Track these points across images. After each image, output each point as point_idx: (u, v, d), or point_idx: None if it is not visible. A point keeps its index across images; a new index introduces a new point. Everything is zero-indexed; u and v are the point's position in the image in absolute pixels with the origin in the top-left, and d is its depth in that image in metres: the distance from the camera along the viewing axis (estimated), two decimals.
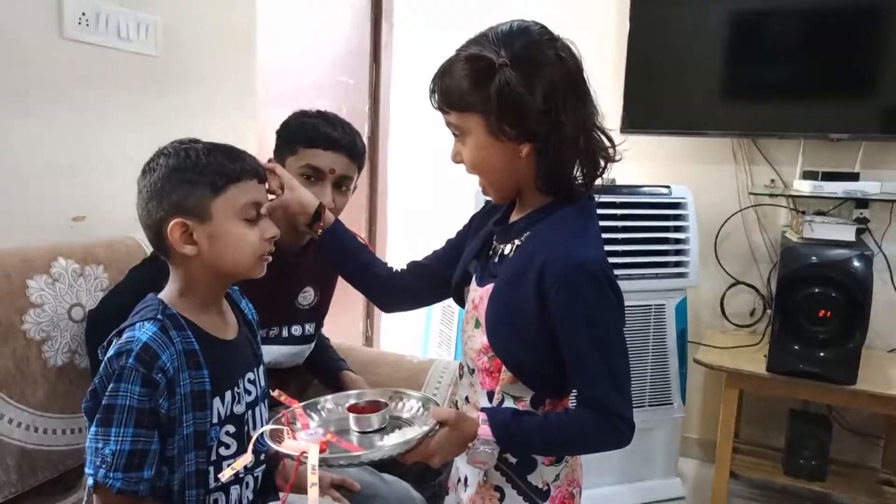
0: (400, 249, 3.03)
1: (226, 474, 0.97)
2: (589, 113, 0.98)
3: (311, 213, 1.21)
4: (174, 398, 0.98)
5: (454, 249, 1.19)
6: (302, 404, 1.06)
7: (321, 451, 0.90)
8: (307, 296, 1.53)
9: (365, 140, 2.86)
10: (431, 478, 1.42)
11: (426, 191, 2.94)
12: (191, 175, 1.00)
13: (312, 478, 0.88)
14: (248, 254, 1.04)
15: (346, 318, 2.91)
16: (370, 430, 1.01)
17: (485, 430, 0.96)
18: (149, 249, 1.49)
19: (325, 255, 1.23)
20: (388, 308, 1.30)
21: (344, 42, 2.76)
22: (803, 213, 2.31)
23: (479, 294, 1.05)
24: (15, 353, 1.25)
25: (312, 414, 1.07)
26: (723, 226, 2.49)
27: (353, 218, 2.88)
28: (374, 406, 1.04)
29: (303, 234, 1.46)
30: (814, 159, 2.35)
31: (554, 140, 0.95)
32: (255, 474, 1.13)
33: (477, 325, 1.04)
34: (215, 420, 1.03)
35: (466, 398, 1.08)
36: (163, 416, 0.97)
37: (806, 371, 2.01)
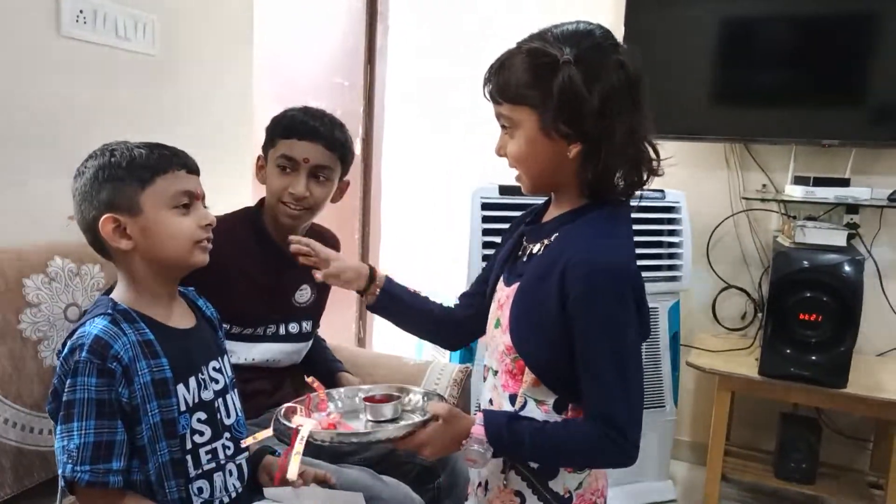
0: (393, 251, 3.03)
1: (247, 441, 1.05)
2: (641, 123, 0.97)
3: (366, 278, 1.18)
4: (133, 387, 0.99)
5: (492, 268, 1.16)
6: (326, 392, 1.12)
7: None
8: (304, 293, 1.53)
9: (359, 142, 2.90)
10: (430, 480, 1.42)
11: (420, 193, 2.94)
12: (118, 172, 1.03)
13: (298, 446, 0.95)
14: (183, 242, 1.06)
15: (339, 318, 2.90)
16: (382, 419, 1.04)
17: (478, 430, 0.96)
18: None
19: (383, 314, 1.20)
20: (454, 346, 1.30)
21: (339, 43, 2.76)
22: (794, 217, 2.33)
23: (505, 294, 1.03)
24: (11, 353, 1.24)
25: (331, 401, 1.12)
26: (715, 230, 2.51)
27: (346, 220, 2.88)
28: (389, 398, 1.08)
29: (293, 229, 1.46)
30: (805, 165, 2.38)
31: (604, 144, 0.94)
32: (238, 462, 1.13)
33: (497, 324, 1.03)
34: (183, 408, 1.04)
35: (490, 400, 1.06)
36: (125, 405, 0.98)
37: (797, 374, 2.03)
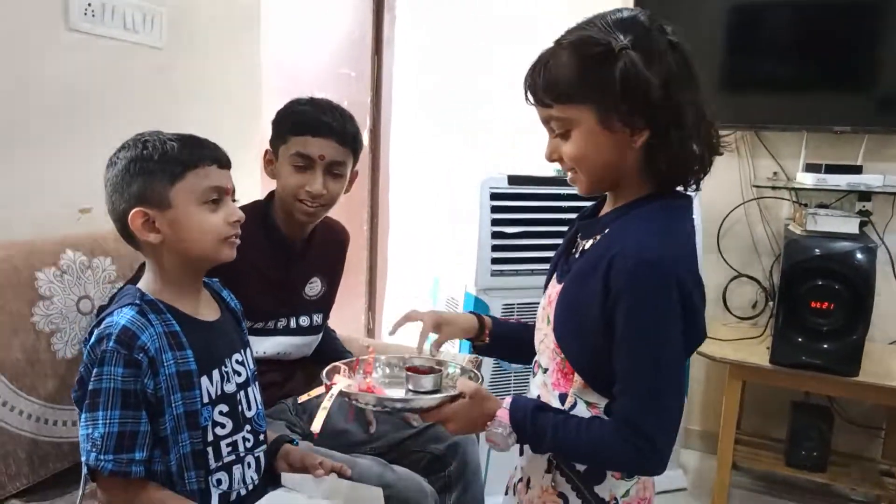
0: (402, 243, 3.03)
1: (302, 399, 1.09)
2: (703, 101, 0.92)
3: (476, 330, 1.16)
4: (158, 378, 0.99)
5: None
6: (374, 357, 1.15)
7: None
8: (314, 286, 1.54)
9: (366, 133, 2.89)
10: (441, 469, 1.42)
11: (428, 184, 2.94)
12: (149, 165, 1.03)
13: (326, 402, 0.99)
14: (211, 238, 1.06)
15: (348, 309, 2.91)
16: (422, 390, 1.05)
17: (504, 414, 0.95)
18: None
19: (497, 356, 1.21)
20: None
21: (345, 34, 2.76)
22: (806, 205, 2.31)
23: (555, 290, 0.99)
24: (24, 346, 1.25)
25: (378, 367, 1.15)
26: (725, 218, 2.50)
27: (354, 211, 2.88)
28: (431, 371, 1.08)
29: (301, 222, 1.46)
30: (816, 152, 2.36)
31: (673, 128, 0.89)
32: (256, 454, 1.14)
33: (548, 321, 1.00)
34: (206, 399, 1.05)
35: (538, 397, 1.02)
36: (150, 395, 0.98)
37: (809, 363, 2.02)
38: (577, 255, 1.00)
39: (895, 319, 2.34)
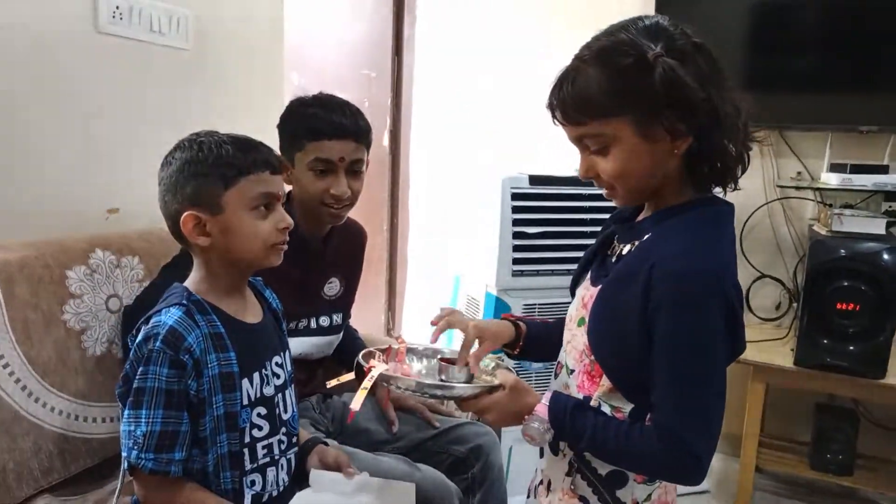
0: (422, 242, 3.04)
1: (332, 383, 1.09)
2: (736, 98, 0.90)
3: (513, 339, 1.14)
4: (202, 379, 1.00)
5: None
6: (408, 345, 1.16)
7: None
8: (333, 286, 1.54)
9: (386, 133, 2.90)
10: (464, 470, 1.42)
11: (448, 184, 2.94)
12: (203, 168, 1.03)
13: (366, 382, 1.00)
14: (259, 245, 1.06)
15: (367, 309, 2.92)
16: (454, 381, 1.05)
17: (542, 410, 0.95)
18: None
19: (531, 358, 1.22)
20: None
21: (366, 35, 2.77)
22: (830, 206, 2.28)
23: (589, 293, 0.99)
24: (56, 343, 1.27)
25: (409, 356, 1.16)
26: (749, 219, 2.48)
27: (375, 210, 2.90)
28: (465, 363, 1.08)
29: (325, 224, 1.47)
30: (841, 152, 2.33)
31: (715, 131, 0.88)
32: (288, 456, 1.15)
33: (581, 323, 0.99)
34: (245, 402, 1.05)
35: (553, 390, 1.01)
36: (192, 397, 0.99)
37: (834, 364, 2.00)
38: (613, 259, 0.99)
39: None
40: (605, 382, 0.95)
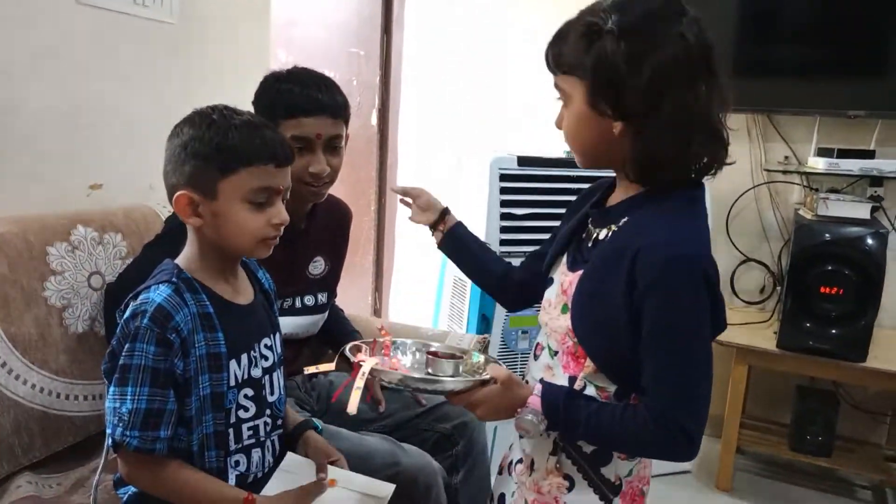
0: (410, 223, 3.03)
1: (310, 369, 1.08)
2: (699, 101, 0.88)
3: (438, 214, 1.27)
4: (189, 359, 0.99)
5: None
6: (391, 339, 1.15)
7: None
8: (318, 265, 1.53)
9: (375, 112, 2.88)
10: (448, 448, 1.43)
11: (437, 163, 2.93)
12: (204, 149, 0.99)
13: (358, 381, 0.98)
14: (248, 238, 1.03)
15: (355, 290, 2.92)
16: (442, 375, 1.04)
17: (535, 401, 0.95)
18: (165, 218, 1.49)
19: (449, 256, 1.26)
20: (511, 306, 1.28)
21: (355, 13, 2.73)
22: (816, 190, 2.30)
23: (568, 279, 1.00)
24: (37, 320, 1.26)
25: (395, 349, 1.15)
26: (735, 202, 2.49)
27: (362, 190, 2.88)
28: (452, 357, 1.09)
29: (306, 202, 1.45)
30: (829, 136, 2.34)
31: (651, 124, 0.88)
32: (273, 438, 1.14)
33: (564, 309, 0.99)
34: (232, 382, 1.04)
35: (541, 380, 1.01)
36: (178, 376, 0.98)
37: (816, 348, 2.02)
38: (590, 244, 1.00)
39: None
40: (590, 364, 0.96)
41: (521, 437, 1.03)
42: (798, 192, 2.44)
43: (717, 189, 2.36)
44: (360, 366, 1.00)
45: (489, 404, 0.97)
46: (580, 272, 0.97)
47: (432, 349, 1.13)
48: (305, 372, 1.15)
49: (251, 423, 1.08)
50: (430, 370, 1.06)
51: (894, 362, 2.02)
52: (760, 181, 2.47)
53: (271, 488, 1.06)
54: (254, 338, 1.10)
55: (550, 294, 1.05)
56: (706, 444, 2.70)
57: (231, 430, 1.05)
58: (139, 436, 0.95)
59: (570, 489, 0.99)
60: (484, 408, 0.98)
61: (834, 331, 2.00)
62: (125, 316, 0.98)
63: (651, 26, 0.87)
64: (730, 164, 0.96)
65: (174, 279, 1.01)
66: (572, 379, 0.98)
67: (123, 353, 0.96)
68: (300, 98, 1.33)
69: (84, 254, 1.35)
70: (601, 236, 0.98)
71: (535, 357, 1.06)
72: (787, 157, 2.42)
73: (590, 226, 1.02)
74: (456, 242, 1.25)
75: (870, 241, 1.95)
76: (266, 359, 1.12)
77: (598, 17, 0.88)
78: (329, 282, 1.57)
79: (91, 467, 1.27)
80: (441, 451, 1.42)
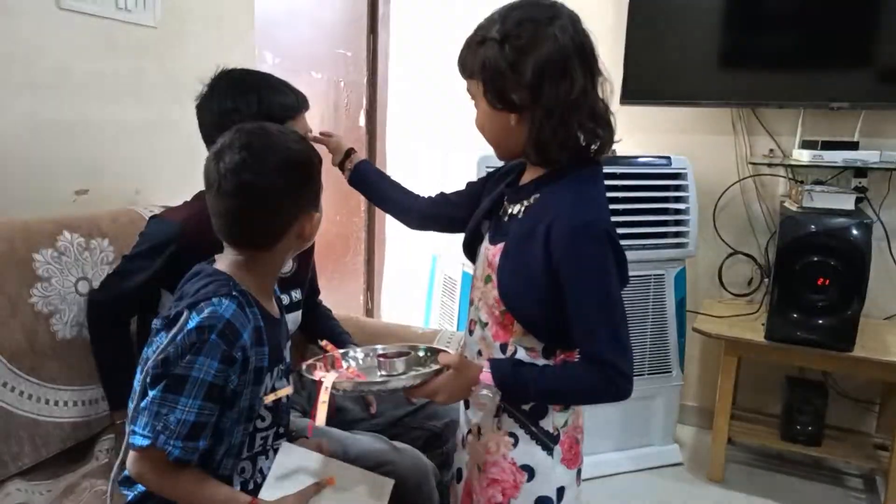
0: (400, 225, 3.03)
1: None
2: (576, 89, 1.00)
3: (342, 154, 1.39)
4: (245, 375, 1.00)
5: (470, 197, 1.26)
6: (340, 351, 1.20)
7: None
8: (286, 264, 1.52)
9: (363, 113, 2.88)
10: (439, 445, 1.44)
11: (425, 163, 2.93)
12: (312, 171, 1.08)
13: (324, 396, 1.01)
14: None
15: (347, 290, 2.92)
16: (395, 373, 1.10)
17: (486, 377, 1.03)
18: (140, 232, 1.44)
19: (359, 189, 1.39)
20: (411, 226, 1.37)
21: (340, 13, 2.73)
22: (802, 182, 2.31)
23: (491, 252, 1.10)
24: (24, 327, 1.25)
25: (345, 360, 1.19)
26: (721, 196, 2.50)
27: (352, 191, 2.86)
28: (400, 355, 1.15)
29: None
30: (813, 129, 2.36)
31: (536, 114, 1.01)
32: (275, 447, 1.14)
33: (488, 280, 1.10)
34: (261, 394, 1.05)
35: (479, 352, 1.12)
36: (229, 391, 0.98)
37: (804, 338, 2.04)
38: (507, 220, 1.11)
39: (890, 295, 2.35)
40: (517, 328, 1.07)
41: (477, 411, 1.11)
42: (784, 184, 2.46)
43: (704, 182, 2.38)
44: (322, 381, 1.03)
45: (446, 390, 1.05)
46: (501, 245, 1.08)
47: (380, 351, 1.18)
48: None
49: (265, 433, 1.10)
50: (383, 372, 1.11)
51: (881, 351, 2.04)
52: (746, 174, 2.48)
53: (271, 480, 1.06)
54: (283, 351, 1.12)
55: (477, 269, 1.16)
56: (698, 435, 2.74)
57: (247, 439, 1.06)
58: (182, 446, 0.95)
59: (514, 444, 1.09)
60: (442, 395, 1.05)
61: (821, 321, 2.01)
62: (189, 327, 0.96)
63: (526, 31, 1.00)
64: (618, 142, 1.08)
65: (234, 292, 1.00)
66: (503, 345, 1.09)
67: (182, 363, 0.95)
68: (284, 103, 1.32)
69: (70, 259, 1.35)
70: (515, 211, 1.09)
71: (470, 333, 1.16)
72: (771, 150, 2.44)
73: (505, 202, 1.13)
74: (360, 176, 1.37)
75: (854, 231, 1.97)
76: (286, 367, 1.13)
77: (486, 28, 1.03)
78: (300, 279, 1.55)
79: (81, 473, 1.27)
80: (432, 448, 1.43)
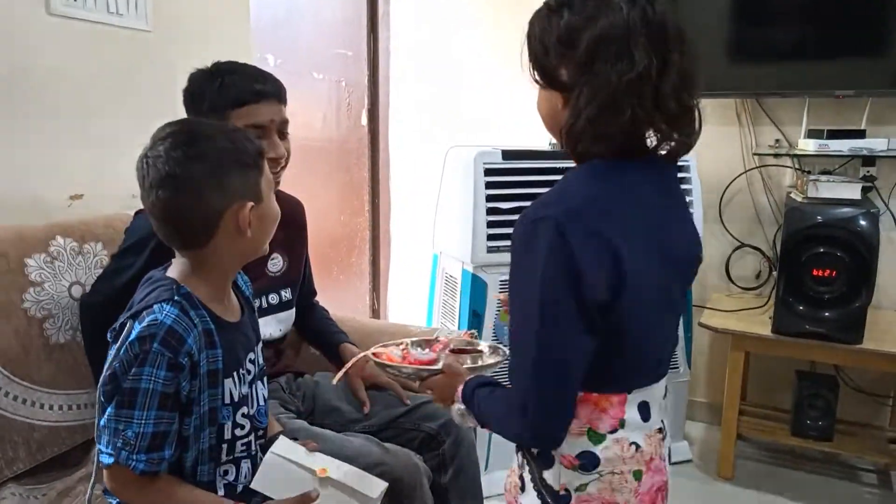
0: (404, 222, 3.02)
1: (337, 377, 1.21)
2: (635, 71, 0.82)
3: None
4: (195, 380, 0.98)
5: None
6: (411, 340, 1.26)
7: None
8: (276, 262, 1.51)
9: (365, 112, 2.87)
10: (435, 447, 1.42)
11: (429, 162, 2.92)
12: (244, 157, 1.01)
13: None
14: (274, 228, 1.08)
15: (352, 291, 2.91)
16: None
17: (459, 393, 0.99)
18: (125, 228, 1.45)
19: None
20: None
21: (339, 13, 2.73)
22: (808, 172, 2.27)
23: None
24: (17, 332, 1.26)
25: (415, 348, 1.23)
26: (727, 188, 2.47)
27: (355, 191, 2.87)
28: (464, 350, 1.20)
29: None
30: (819, 118, 2.31)
31: (583, 96, 0.84)
32: (260, 447, 1.14)
33: None
34: (227, 401, 1.04)
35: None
36: (182, 397, 0.97)
37: (812, 332, 2.00)
38: None
39: None
40: None
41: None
42: (790, 175, 2.42)
43: (709, 175, 2.35)
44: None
45: (437, 391, 1.06)
46: None
47: (451, 346, 1.22)
48: (332, 381, 1.22)
49: (245, 440, 1.09)
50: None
51: (892, 343, 1.99)
52: (752, 166, 2.45)
53: (261, 475, 1.05)
54: (242, 356, 1.09)
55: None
56: (707, 432, 2.70)
57: (225, 446, 1.05)
58: (146, 459, 0.94)
59: (522, 490, 0.96)
60: (435, 393, 1.06)
61: (828, 314, 1.98)
62: (130, 338, 0.95)
63: (594, 5, 0.85)
64: (687, 141, 0.92)
65: (176, 297, 0.98)
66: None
67: (129, 377, 0.93)
68: (249, 87, 1.31)
69: (63, 264, 1.36)
70: None
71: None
72: (777, 141, 2.40)
73: None
74: None
75: (861, 221, 1.93)
76: (249, 373, 1.11)
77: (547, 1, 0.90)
78: (290, 278, 1.54)
79: (76, 478, 1.28)
80: (428, 450, 1.41)
